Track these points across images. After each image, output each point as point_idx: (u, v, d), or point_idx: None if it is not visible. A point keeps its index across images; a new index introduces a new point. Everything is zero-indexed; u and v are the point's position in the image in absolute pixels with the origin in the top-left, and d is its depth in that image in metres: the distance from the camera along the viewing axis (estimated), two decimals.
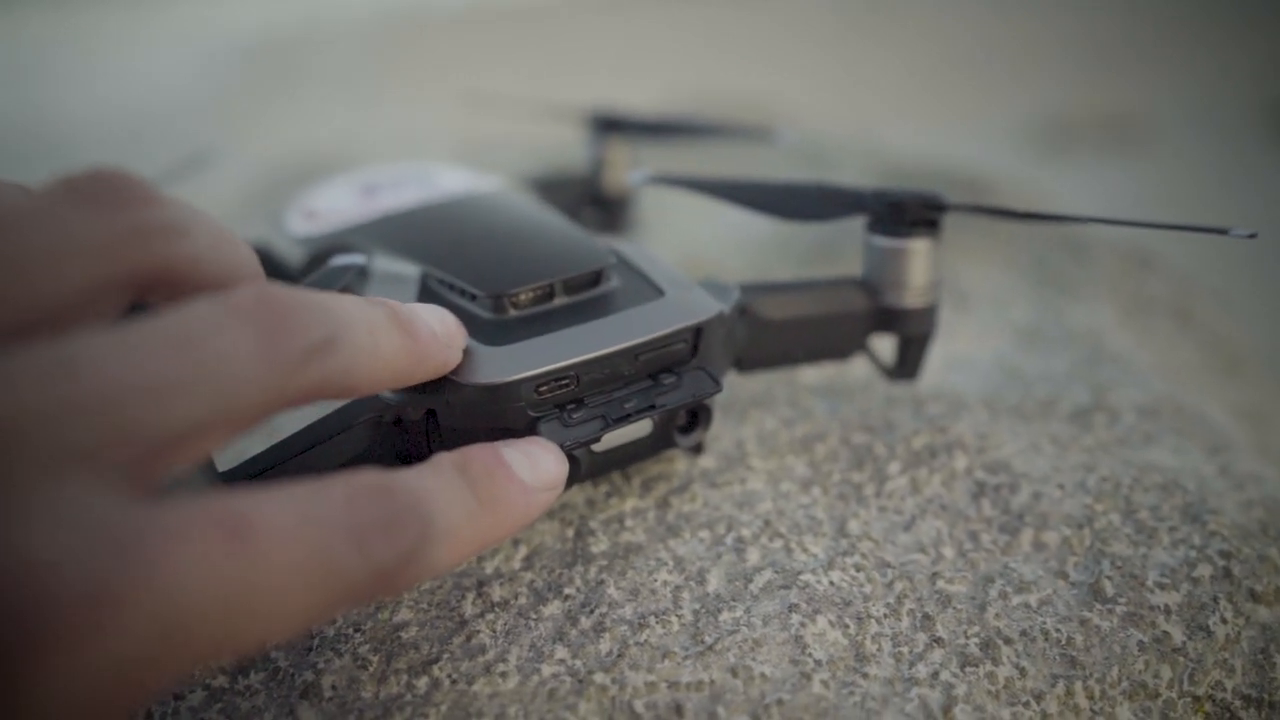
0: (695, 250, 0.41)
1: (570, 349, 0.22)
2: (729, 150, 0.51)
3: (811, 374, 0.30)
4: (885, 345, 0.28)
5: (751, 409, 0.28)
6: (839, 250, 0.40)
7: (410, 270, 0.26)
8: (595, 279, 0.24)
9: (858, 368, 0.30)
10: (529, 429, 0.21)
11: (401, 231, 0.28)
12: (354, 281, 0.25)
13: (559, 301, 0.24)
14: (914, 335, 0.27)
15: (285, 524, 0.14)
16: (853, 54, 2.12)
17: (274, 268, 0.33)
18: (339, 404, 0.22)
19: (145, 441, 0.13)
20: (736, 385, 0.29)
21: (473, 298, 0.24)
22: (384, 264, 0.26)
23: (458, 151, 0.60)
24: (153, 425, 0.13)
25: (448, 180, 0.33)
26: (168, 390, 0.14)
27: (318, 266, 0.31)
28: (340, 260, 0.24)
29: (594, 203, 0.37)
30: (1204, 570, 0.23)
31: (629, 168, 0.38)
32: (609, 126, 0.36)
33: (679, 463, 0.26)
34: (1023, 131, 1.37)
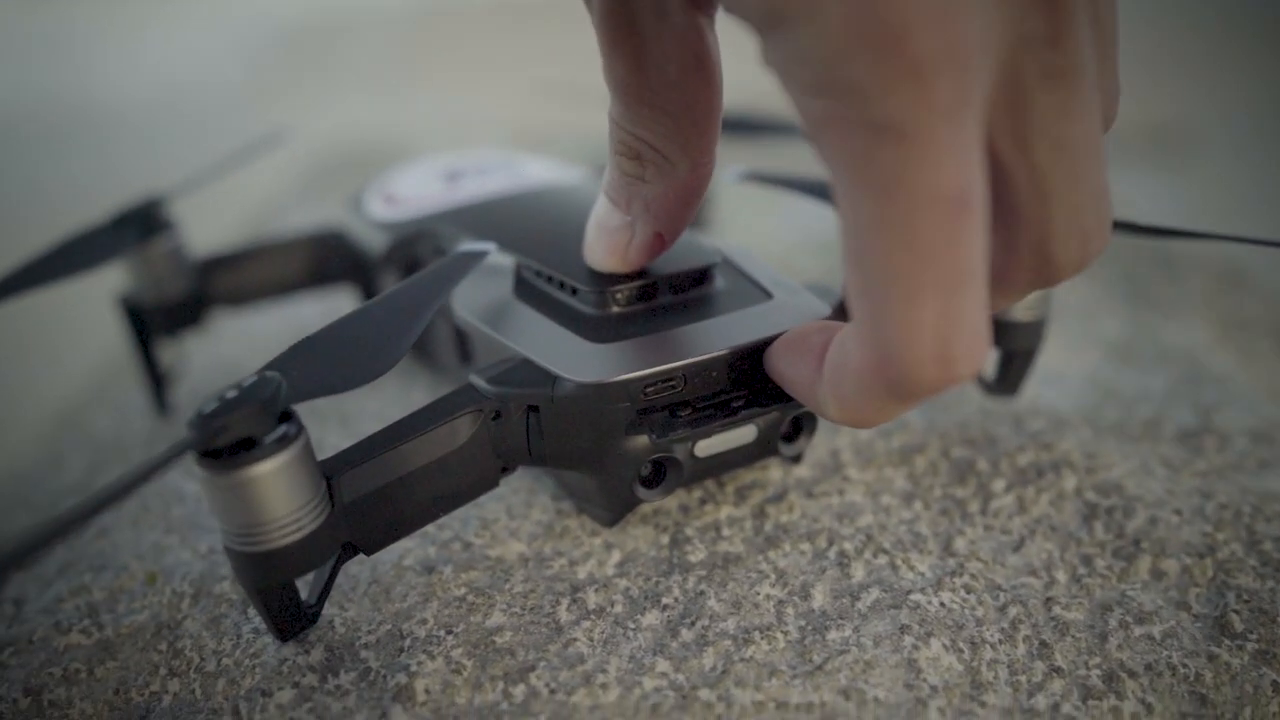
0: (772, 250, 0.40)
1: (679, 350, 0.21)
2: (795, 148, 0.50)
3: None
4: (988, 357, 0.27)
5: None
6: None
7: (503, 261, 0.25)
8: (700, 278, 0.23)
9: None
10: (632, 429, 0.21)
11: (491, 220, 0.27)
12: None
13: (663, 300, 0.23)
14: (1019, 350, 0.25)
15: None
16: None
17: (349, 253, 0.32)
18: (417, 399, 0.21)
19: None
20: None
21: (574, 292, 0.23)
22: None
23: (506, 141, 0.59)
24: None
25: (534, 169, 0.32)
26: None
27: (400, 252, 0.30)
28: (468, 247, 0.24)
29: None
30: None
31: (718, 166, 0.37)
32: None
33: (773, 470, 0.25)
34: None
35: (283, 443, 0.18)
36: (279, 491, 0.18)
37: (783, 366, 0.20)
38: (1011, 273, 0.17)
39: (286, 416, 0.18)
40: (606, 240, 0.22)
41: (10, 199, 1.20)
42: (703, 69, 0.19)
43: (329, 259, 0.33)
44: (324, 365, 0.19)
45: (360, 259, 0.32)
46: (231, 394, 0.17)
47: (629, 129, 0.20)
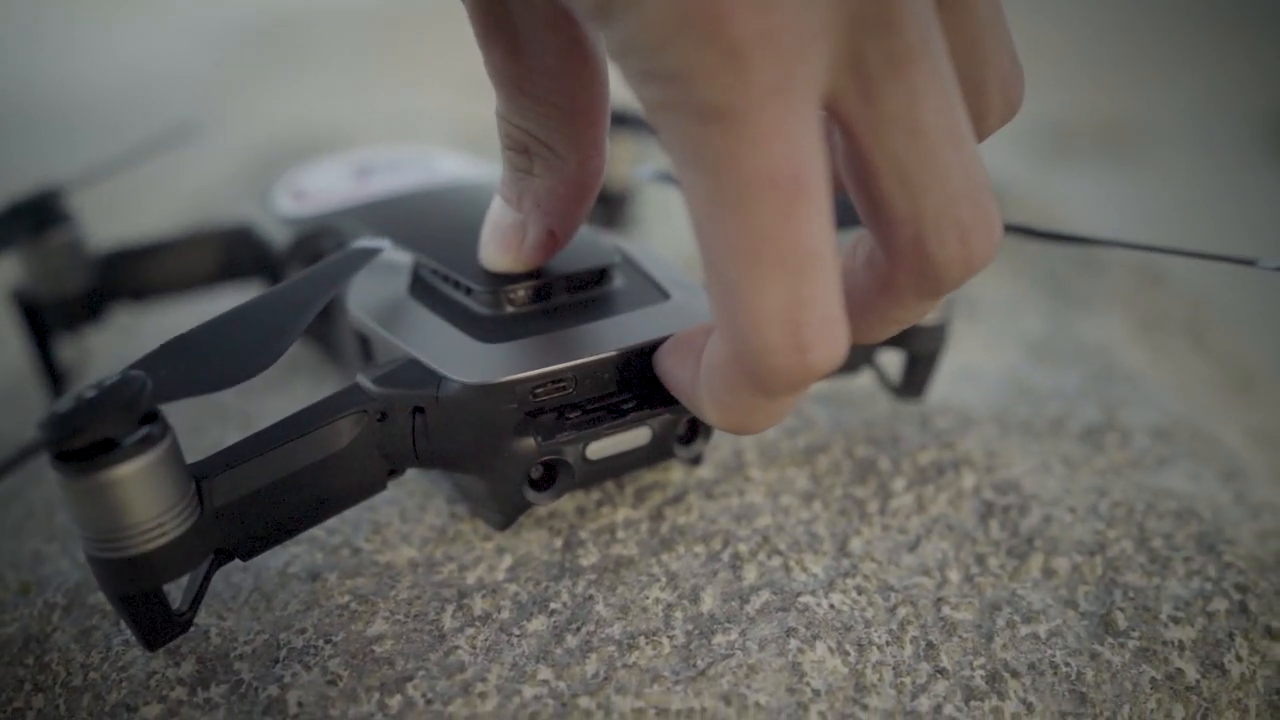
0: (690, 250, 0.40)
1: (570, 351, 0.21)
2: None
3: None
4: (893, 360, 0.27)
5: None
6: None
7: (402, 259, 0.25)
8: (598, 278, 0.23)
9: (864, 375, 0.29)
10: (520, 431, 0.20)
11: (394, 217, 0.27)
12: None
13: (559, 300, 0.22)
14: (922, 353, 0.25)
15: None
16: None
17: (257, 248, 0.32)
18: (316, 398, 0.20)
19: None
20: None
21: (468, 291, 0.22)
22: None
23: (453, 137, 0.58)
24: None
25: (446, 166, 0.31)
26: None
27: (304, 248, 0.29)
28: (362, 244, 0.23)
29: (597, 199, 0.36)
30: (1219, 604, 0.22)
31: (634, 163, 0.37)
32: (615, 120, 0.35)
33: (675, 471, 0.25)
34: (1022, 138, 1.36)
35: (144, 445, 0.17)
36: (140, 495, 0.17)
37: (667, 367, 0.20)
38: (896, 276, 0.17)
39: (151, 417, 0.18)
40: (500, 239, 0.22)
41: None
42: (582, 57, 0.18)
43: (237, 254, 0.32)
44: (196, 364, 0.19)
45: (268, 255, 0.31)
46: (90, 393, 0.17)
47: (513, 121, 0.20)
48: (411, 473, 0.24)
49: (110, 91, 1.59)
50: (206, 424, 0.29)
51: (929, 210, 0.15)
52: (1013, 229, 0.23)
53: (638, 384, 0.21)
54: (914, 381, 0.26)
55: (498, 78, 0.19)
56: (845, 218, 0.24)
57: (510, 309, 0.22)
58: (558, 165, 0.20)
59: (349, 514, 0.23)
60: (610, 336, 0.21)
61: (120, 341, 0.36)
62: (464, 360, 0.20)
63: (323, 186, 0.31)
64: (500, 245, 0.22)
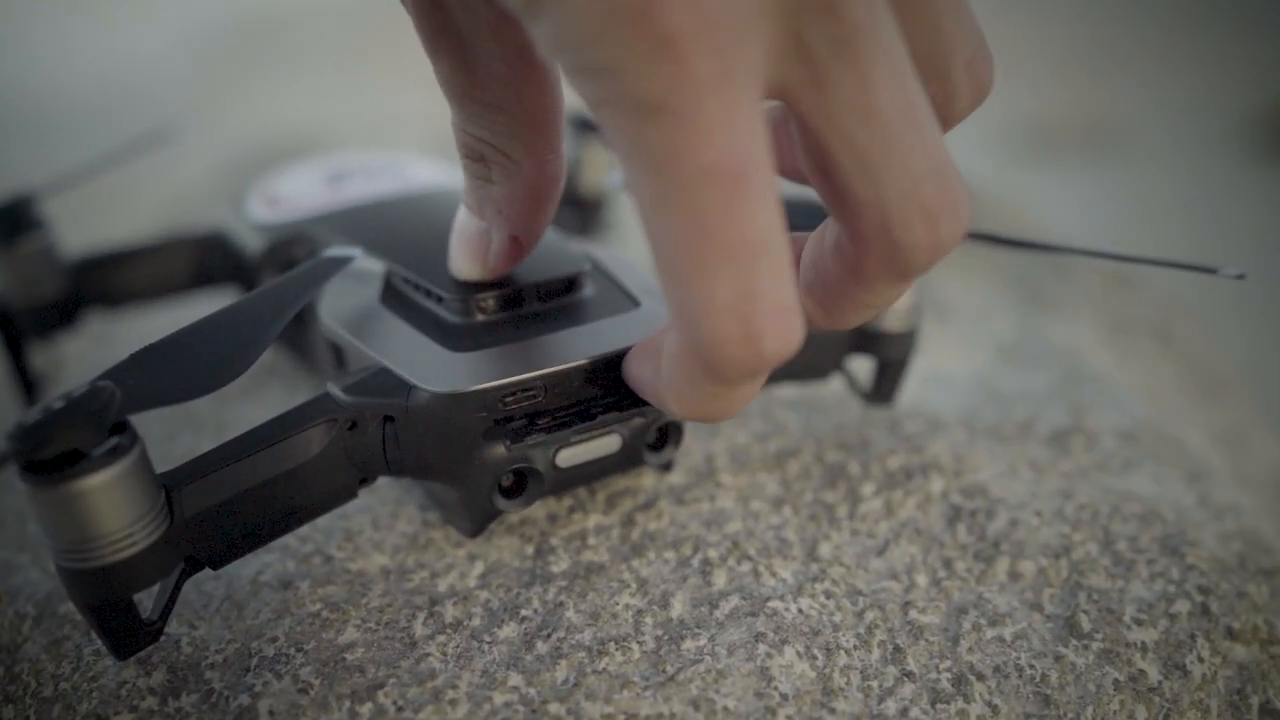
0: None
1: (539, 359, 0.21)
2: None
3: (788, 386, 0.29)
4: (863, 367, 0.27)
5: (724, 423, 0.27)
6: None
7: (374, 267, 0.25)
8: (569, 286, 0.23)
9: (835, 380, 0.29)
10: (489, 439, 0.20)
11: (366, 225, 0.27)
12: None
13: (529, 308, 0.23)
14: (892, 359, 0.26)
15: None
16: None
17: (231, 254, 0.32)
18: (291, 406, 0.21)
19: None
20: None
21: (439, 300, 0.23)
22: None
23: (432, 140, 0.58)
24: None
25: (420, 173, 0.31)
26: None
27: (277, 255, 0.29)
28: (333, 252, 0.23)
29: (568, 203, 0.36)
30: (1182, 606, 0.22)
31: (607, 169, 0.37)
32: (586, 126, 0.35)
33: (646, 477, 0.25)
34: (1001, 137, 1.37)
35: (113, 455, 0.17)
36: (109, 506, 0.17)
37: (634, 371, 0.20)
38: (864, 263, 0.17)
39: (120, 427, 0.18)
40: (466, 248, 0.22)
41: None
42: (529, 63, 0.18)
43: (210, 260, 0.32)
44: (166, 373, 0.19)
45: (242, 262, 0.31)
46: (58, 404, 0.17)
47: (468, 130, 0.20)
48: (384, 480, 0.24)
49: (90, 93, 1.58)
50: (179, 431, 0.29)
51: (892, 194, 0.15)
52: (978, 237, 0.24)
53: (607, 392, 0.21)
54: (884, 388, 0.26)
55: (448, 87, 0.19)
56: (794, 225, 0.24)
57: (481, 317, 0.22)
58: (515, 171, 0.20)
59: (321, 522, 0.23)
60: (580, 345, 0.21)
61: (94, 348, 0.35)
62: (433, 369, 0.20)
63: (295, 192, 0.31)
64: (467, 254, 0.22)
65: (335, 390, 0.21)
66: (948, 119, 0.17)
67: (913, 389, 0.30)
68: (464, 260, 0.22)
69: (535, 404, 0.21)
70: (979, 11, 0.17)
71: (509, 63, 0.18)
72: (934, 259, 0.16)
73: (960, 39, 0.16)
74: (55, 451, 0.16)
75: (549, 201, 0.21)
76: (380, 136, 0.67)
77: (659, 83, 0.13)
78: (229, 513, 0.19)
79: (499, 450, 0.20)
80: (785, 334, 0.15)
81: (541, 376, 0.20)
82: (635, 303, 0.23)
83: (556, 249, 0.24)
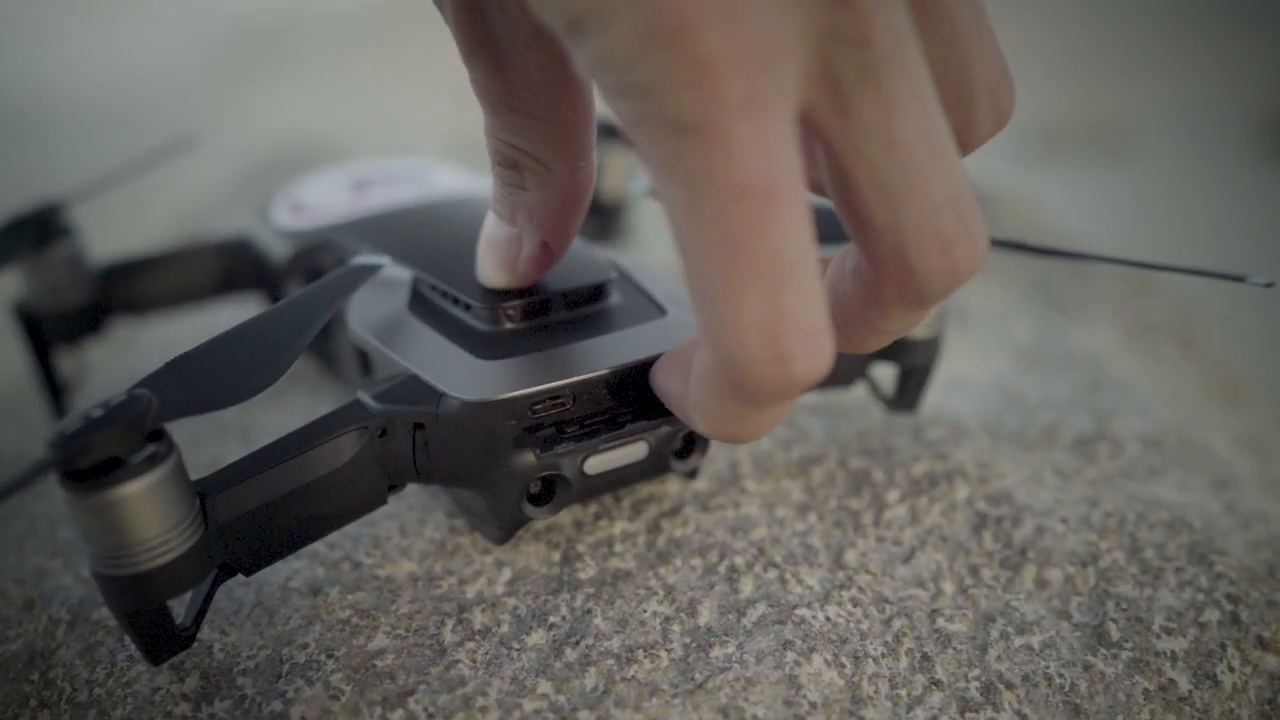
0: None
1: (567, 368, 0.21)
2: None
3: (811, 393, 0.29)
4: (886, 374, 0.27)
5: None
6: None
7: (401, 274, 0.25)
8: (596, 294, 0.23)
9: (859, 388, 0.29)
10: (518, 446, 0.20)
11: (392, 232, 0.27)
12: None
13: (556, 316, 0.23)
14: (916, 366, 0.26)
15: None
16: None
17: (256, 261, 0.32)
18: (315, 412, 0.21)
19: None
20: None
21: (467, 307, 0.23)
22: None
23: (447, 147, 0.58)
24: None
25: (444, 179, 0.31)
26: None
27: (303, 262, 0.29)
28: (362, 260, 0.23)
29: (590, 211, 0.36)
30: (1211, 615, 0.22)
31: (628, 175, 0.37)
32: (608, 132, 0.35)
33: (671, 484, 0.25)
34: (1012, 140, 1.37)
35: (151, 463, 0.17)
36: (146, 513, 0.17)
37: (661, 382, 0.20)
38: (880, 287, 0.17)
39: (157, 435, 0.18)
40: (495, 255, 0.22)
41: None
42: (565, 73, 0.19)
43: (236, 267, 0.32)
44: (200, 382, 0.19)
45: (267, 268, 0.32)
46: (97, 413, 0.17)
47: (502, 137, 0.20)
48: (411, 487, 0.25)
49: (103, 95, 1.59)
50: (206, 438, 0.29)
51: (910, 221, 0.16)
52: (1001, 244, 0.23)
53: (635, 400, 0.21)
54: (907, 395, 0.26)
55: (483, 95, 0.19)
56: (821, 233, 0.24)
57: (508, 325, 0.22)
58: (548, 178, 0.20)
59: (349, 528, 0.23)
60: (607, 353, 0.21)
61: (119, 354, 0.36)
62: (463, 377, 0.21)
63: (320, 200, 0.31)
64: (496, 261, 0.22)
65: (366, 398, 0.21)
66: (967, 145, 0.17)
67: (934, 394, 0.30)
68: (492, 267, 0.22)
69: (564, 412, 0.21)
70: (993, 13, 0.17)
71: (545, 73, 0.19)
72: (950, 288, 0.16)
73: (984, 67, 0.16)
74: (95, 459, 0.17)
75: (580, 207, 0.21)
76: (393, 140, 0.68)
77: (695, 103, 0.14)
78: (261, 519, 0.19)
79: (528, 458, 0.20)
80: (815, 356, 0.15)
81: (570, 385, 0.21)
82: (661, 310, 0.23)
83: (583, 257, 0.24)
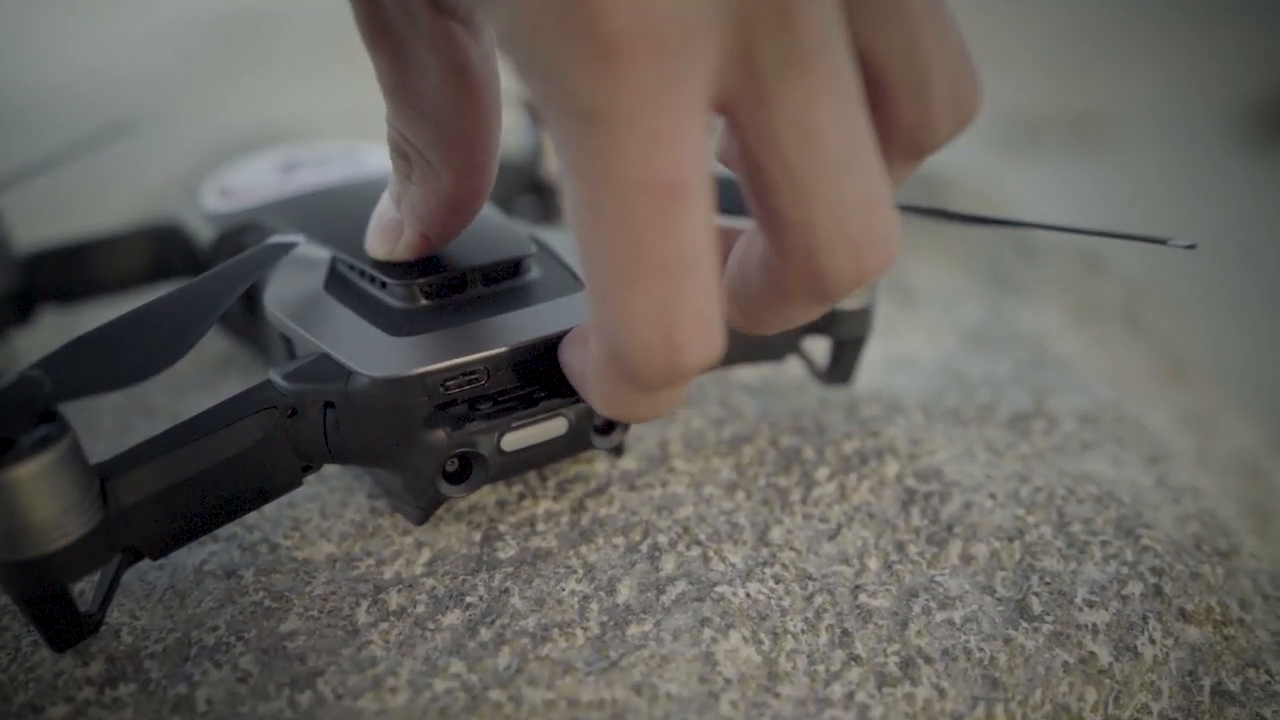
0: None
1: (480, 343, 0.21)
2: None
3: (747, 371, 0.29)
4: (820, 347, 0.27)
5: (680, 407, 0.27)
6: None
7: (319, 253, 0.24)
8: (514, 269, 0.23)
9: (794, 365, 0.29)
10: (431, 424, 0.20)
11: (311, 212, 0.26)
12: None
13: (473, 292, 0.22)
14: (847, 338, 0.26)
15: None
16: None
17: (183, 244, 0.31)
18: (230, 394, 0.20)
19: None
20: None
21: (382, 285, 0.22)
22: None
23: None
24: None
25: (374, 160, 0.31)
26: None
27: (228, 245, 0.29)
28: (275, 240, 0.23)
29: (532, 190, 0.36)
30: (1134, 588, 0.22)
31: None
32: None
33: (599, 463, 0.25)
34: (986, 128, 1.37)
35: (42, 445, 0.17)
36: (39, 495, 0.17)
37: (567, 358, 0.20)
38: (786, 280, 0.16)
39: (50, 417, 0.17)
40: (380, 230, 0.22)
41: None
42: (465, 85, 0.18)
43: (165, 253, 0.32)
44: (99, 361, 0.19)
45: (196, 252, 0.31)
46: None
47: (395, 126, 0.20)
48: (333, 469, 0.24)
49: (71, 89, 1.57)
50: (136, 422, 0.28)
51: (821, 221, 0.15)
52: (931, 212, 0.23)
53: (551, 375, 0.21)
54: (841, 367, 0.26)
55: (382, 85, 0.19)
56: (732, 205, 0.24)
57: (423, 302, 0.22)
58: (433, 179, 0.20)
59: (268, 510, 0.23)
60: (523, 327, 0.21)
61: (49, 343, 0.35)
62: (372, 354, 0.20)
63: (248, 183, 0.30)
64: (379, 236, 0.22)
65: (276, 377, 0.20)
66: (928, 143, 0.16)
67: (876, 374, 0.30)
68: (376, 241, 0.22)
69: (478, 388, 0.21)
70: (963, 3, 0.16)
71: (443, 79, 0.18)
72: (855, 287, 0.16)
73: (940, 55, 0.15)
74: None
75: (465, 213, 0.21)
76: (357, 128, 0.67)
77: (599, 91, 0.13)
78: (167, 502, 0.19)
79: (441, 435, 0.20)
80: (705, 345, 0.15)
81: (483, 360, 0.20)
82: (581, 285, 0.23)
83: (501, 231, 0.23)
